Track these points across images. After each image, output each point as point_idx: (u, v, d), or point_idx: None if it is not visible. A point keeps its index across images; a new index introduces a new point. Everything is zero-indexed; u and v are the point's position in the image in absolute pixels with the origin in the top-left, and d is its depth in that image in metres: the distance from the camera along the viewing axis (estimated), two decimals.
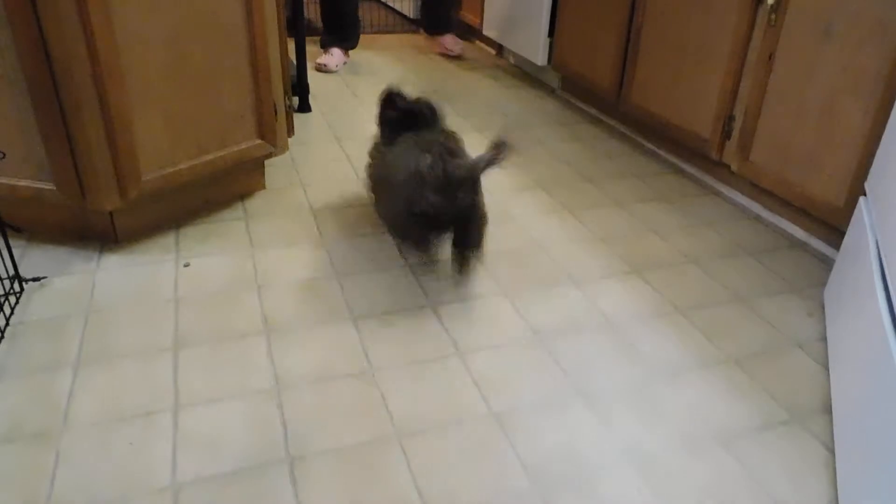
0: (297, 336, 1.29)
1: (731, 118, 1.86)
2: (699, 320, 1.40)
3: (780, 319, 1.42)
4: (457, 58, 3.24)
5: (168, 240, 1.59)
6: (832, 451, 1.09)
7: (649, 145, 2.31)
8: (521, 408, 1.15)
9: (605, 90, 2.41)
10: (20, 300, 1.36)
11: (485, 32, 3.32)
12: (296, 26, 2.35)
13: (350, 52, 3.12)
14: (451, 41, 3.25)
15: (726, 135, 1.88)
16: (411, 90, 1.61)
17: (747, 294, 1.50)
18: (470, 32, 3.53)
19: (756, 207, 1.88)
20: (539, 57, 2.79)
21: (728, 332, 1.37)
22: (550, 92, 2.89)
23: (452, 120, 2.47)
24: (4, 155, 1.43)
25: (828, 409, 1.18)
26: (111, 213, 1.54)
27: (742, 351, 1.32)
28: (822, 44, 1.56)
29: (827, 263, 1.64)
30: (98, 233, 1.57)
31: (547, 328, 1.35)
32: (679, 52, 2.02)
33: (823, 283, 1.55)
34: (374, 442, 1.07)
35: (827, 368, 1.28)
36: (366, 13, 3.17)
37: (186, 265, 1.50)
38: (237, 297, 1.40)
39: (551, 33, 2.73)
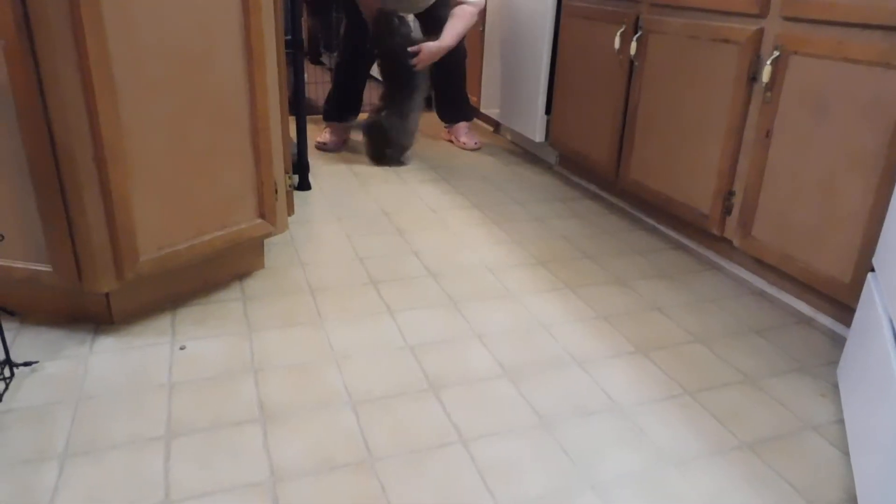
0: (294, 423, 1.23)
1: (730, 193, 1.84)
2: (709, 403, 1.34)
3: (793, 401, 1.36)
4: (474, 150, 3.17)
5: (164, 321, 1.55)
6: None
7: (649, 221, 2.30)
8: (529, 500, 1.08)
9: (603, 166, 2.41)
10: (9, 386, 1.30)
11: (482, 110, 3.36)
12: (297, 105, 2.37)
13: (349, 131, 3.14)
14: (465, 135, 3.18)
15: (727, 210, 1.86)
16: None
17: (756, 374, 1.45)
18: None
19: (760, 283, 1.84)
20: (536, 134, 2.81)
21: (739, 415, 1.31)
22: (548, 168, 2.90)
23: (451, 197, 2.46)
24: (3, 237, 1.40)
25: (852, 499, 1.11)
26: (107, 295, 1.50)
27: (755, 435, 1.26)
28: (819, 121, 1.56)
29: (836, 340, 1.59)
30: (93, 314, 1.52)
31: (552, 412, 1.29)
32: (676, 128, 2.02)
33: (834, 362, 1.50)
34: None
35: (846, 453, 1.22)
36: (367, 92, 3.20)
37: (182, 348, 1.45)
38: (233, 382, 1.34)
39: (548, 111, 2.75)
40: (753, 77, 1.74)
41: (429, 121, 3.45)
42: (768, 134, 1.70)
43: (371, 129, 2.78)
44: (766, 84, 1.68)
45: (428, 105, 3.11)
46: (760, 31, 1.70)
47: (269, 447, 1.17)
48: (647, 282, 1.85)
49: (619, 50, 2.24)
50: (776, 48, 1.65)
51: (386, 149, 2.78)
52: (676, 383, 1.40)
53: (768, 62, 1.66)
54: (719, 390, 1.39)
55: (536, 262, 1.95)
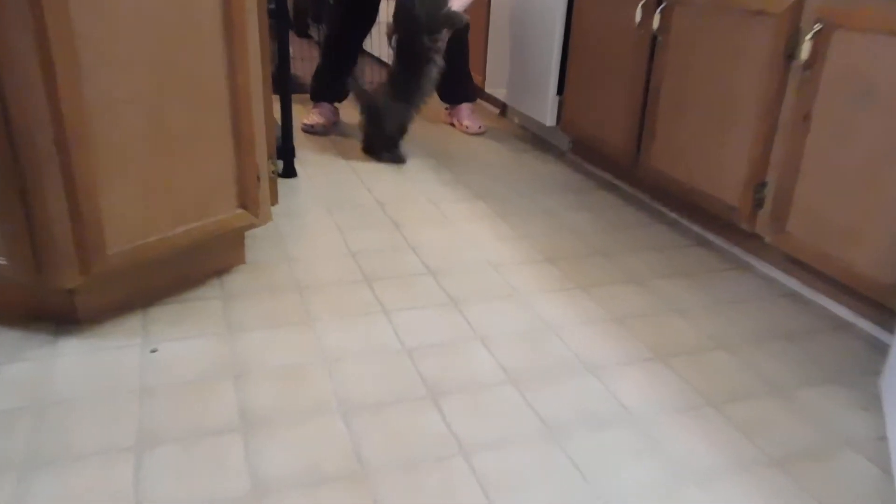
0: (279, 432, 1.25)
1: (762, 184, 1.86)
2: (733, 414, 1.37)
3: (827, 414, 1.38)
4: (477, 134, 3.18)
5: (134, 321, 1.57)
6: None
7: (671, 214, 2.32)
8: None
9: (620, 153, 2.43)
10: None
11: (487, 90, 3.37)
12: (282, 83, 2.38)
13: (339, 112, 3.16)
14: (468, 117, 3.20)
15: (758, 203, 1.88)
16: None
17: (786, 384, 1.47)
18: None
19: (793, 283, 1.87)
20: (547, 117, 2.82)
21: (767, 429, 1.33)
22: (560, 155, 2.92)
23: (452, 187, 2.48)
24: None
25: None
26: (71, 291, 1.52)
27: (784, 451, 1.28)
28: (864, 104, 1.57)
29: (878, 348, 1.61)
30: (55, 313, 1.54)
31: (561, 422, 1.32)
32: (703, 112, 2.04)
33: (876, 372, 1.52)
34: None
35: (889, 473, 1.24)
36: (359, 70, 3.22)
37: (154, 351, 1.47)
38: (211, 388, 1.37)
39: (560, 91, 2.77)
40: (791, 54, 1.75)
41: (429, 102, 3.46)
42: (806, 118, 1.71)
43: (370, 114, 2.73)
44: (805, 62, 1.69)
45: None
46: (800, 2, 1.71)
47: (251, 458, 1.19)
48: (666, 281, 1.88)
49: (640, 24, 2.26)
50: (817, 21, 1.66)
51: (382, 142, 2.75)
52: (697, 393, 1.43)
53: (808, 37, 1.67)
54: (745, 401, 1.41)
55: (545, 259, 1.97)
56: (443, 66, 2.71)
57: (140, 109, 1.45)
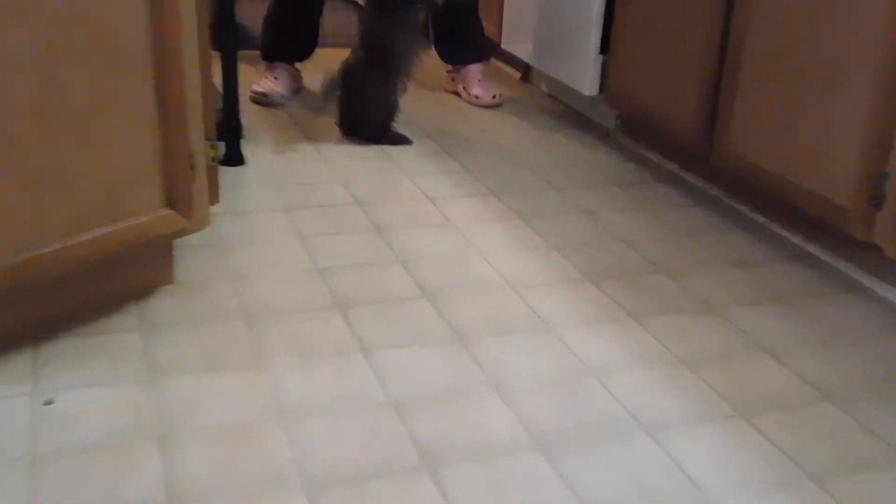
0: None
1: (882, 176, 1.85)
2: (842, 491, 1.35)
3: None
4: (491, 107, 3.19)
5: (22, 362, 1.56)
6: None
7: (756, 217, 2.31)
8: None
9: (686, 134, 2.42)
10: None
11: (504, 47, 3.37)
12: (223, 36, 2.37)
13: (302, 75, 3.15)
14: (478, 84, 3.20)
15: (875, 202, 1.86)
16: None
17: None
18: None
19: None
20: (587, 84, 2.82)
21: None
22: (603, 136, 2.92)
23: (457, 179, 2.47)
24: None
25: None
26: None
27: None
28: None
29: None
30: None
31: (606, 502, 1.30)
32: (801, 77, 2.03)
33: None
34: None
35: None
36: (329, 18, 3.21)
37: (49, 403, 1.46)
38: (127, 454, 1.35)
39: (605, 49, 2.76)
40: None
41: (425, 63, 3.46)
42: None
43: (343, 83, 2.73)
44: None
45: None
46: None
47: None
48: (751, 309, 1.87)
49: None
50: None
51: (359, 118, 2.75)
52: (794, 463, 1.41)
53: None
54: (861, 474, 1.40)
55: (584, 277, 1.97)
56: (424, 15, 2.71)
57: (29, 73, 1.44)
